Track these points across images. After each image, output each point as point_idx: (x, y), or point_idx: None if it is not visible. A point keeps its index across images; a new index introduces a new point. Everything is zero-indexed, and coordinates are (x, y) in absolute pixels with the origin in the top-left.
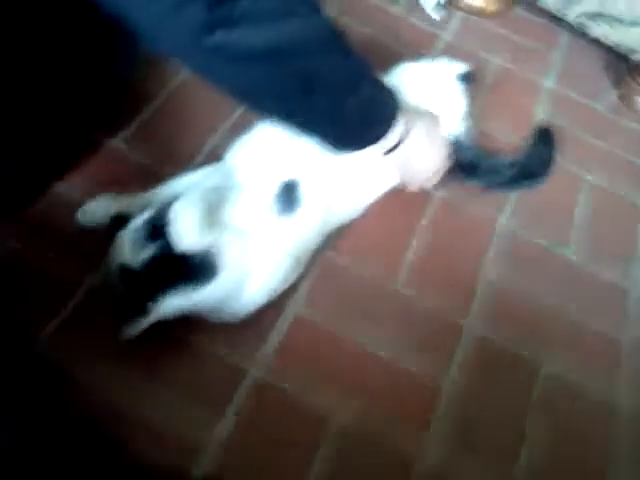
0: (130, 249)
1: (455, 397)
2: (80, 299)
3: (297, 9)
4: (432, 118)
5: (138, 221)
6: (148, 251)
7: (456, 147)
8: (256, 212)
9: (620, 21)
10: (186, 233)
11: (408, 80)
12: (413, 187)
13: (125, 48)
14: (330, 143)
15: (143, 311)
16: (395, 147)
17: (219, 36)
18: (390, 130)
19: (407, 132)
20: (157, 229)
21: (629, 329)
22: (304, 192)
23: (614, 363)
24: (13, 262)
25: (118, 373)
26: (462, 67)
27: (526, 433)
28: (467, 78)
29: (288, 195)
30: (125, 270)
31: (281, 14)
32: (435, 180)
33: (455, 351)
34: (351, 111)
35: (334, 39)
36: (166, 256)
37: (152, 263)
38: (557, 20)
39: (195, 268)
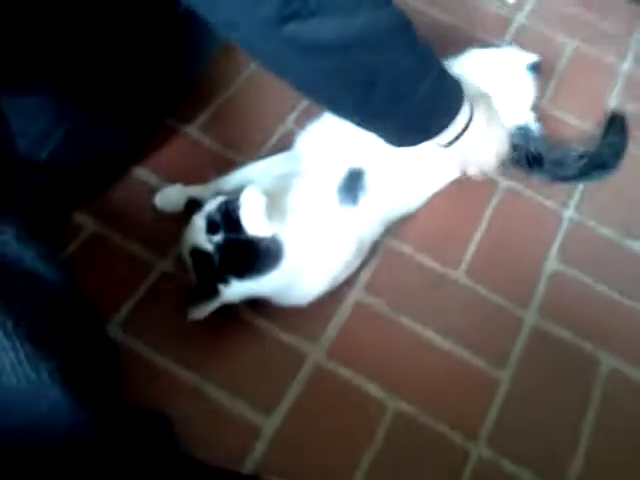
0: (202, 233)
1: (512, 393)
2: (153, 282)
3: (367, 3)
4: (490, 100)
5: (211, 206)
6: (219, 235)
7: (523, 137)
8: (321, 200)
9: None
10: (254, 219)
11: (476, 67)
12: (474, 173)
13: (199, 47)
14: (393, 137)
15: (213, 293)
16: (458, 137)
17: (292, 27)
18: (453, 121)
19: (470, 120)
20: (228, 214)
21: None
22: (368, 180)
23: None
24: (92, 244)
25: (184, 355)
26: (531, 57)
27: (584, 433)
28: (536, 68)
29: (353, 183)
30: (197, 252)
31: (352, 7)
32: (495, 165)
33: (515, 344)
34: (414, 105)
35: (401, 32)
36: (235, 241)
37: (223, 247)
38: (637, 1)
39: (262, 253)
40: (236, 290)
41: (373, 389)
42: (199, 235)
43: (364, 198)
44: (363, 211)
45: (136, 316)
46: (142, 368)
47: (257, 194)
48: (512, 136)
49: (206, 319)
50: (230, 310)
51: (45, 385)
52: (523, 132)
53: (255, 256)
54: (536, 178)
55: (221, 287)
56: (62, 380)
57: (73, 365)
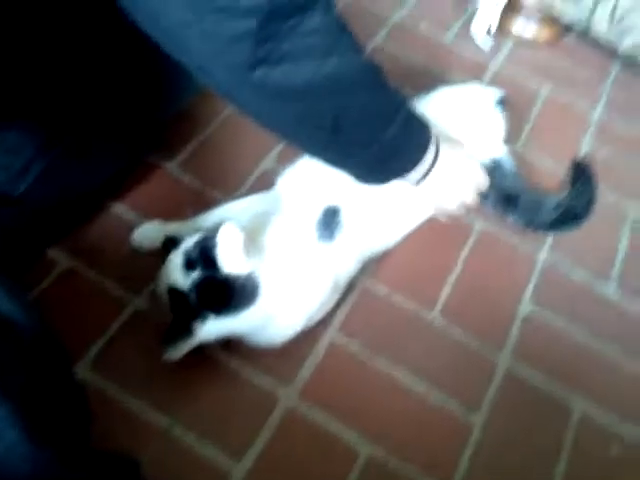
0: (179, 270)
1: (485, 438)
2: (126, 319)
3: (337, 48)
4: (456, 142)
5: (189, 243)
6: (196, 272)
7: (496, 172)
8: (297, 237)
9: None
10: (231, 256)
11: (444, 104)
12: (448, 210)
13: (180, 85)
14: (361, 175)
15: (188, 332)
16: (425, 175)
17: (262, 73)
18: (421, 160)
19: (435, 158)
20: (205, 251)
21: None
22: (344, 218)
23: None
24: (66, 280)
25: (154, 395)
26: (497, 92)
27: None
28: (502, 103)
29: (329, 221)
30: (173, 290)
31: (321, 53)
32: (468, 201)
33: (488, 389)
34: (382, 146)
35: (369, 78)
36: (212, 278)
37: (199, 284)
38: (608, 50)
39: (238, 291)
40: (212, 328)
41: (346, 433)
42: (176, 273)
43: (340, 236)
44: (339, 249)
45: (107, 355)
46: (111, 409)
47: (235, 230)
48: (486, 171)
49: (178, 361)
50: (203, 350)
51: (0, 427)
52: (496, 166)
53: (231, 293)
54: (510, 220)
55: (197, 325)
56: (19, 422)
57: (33, 407)
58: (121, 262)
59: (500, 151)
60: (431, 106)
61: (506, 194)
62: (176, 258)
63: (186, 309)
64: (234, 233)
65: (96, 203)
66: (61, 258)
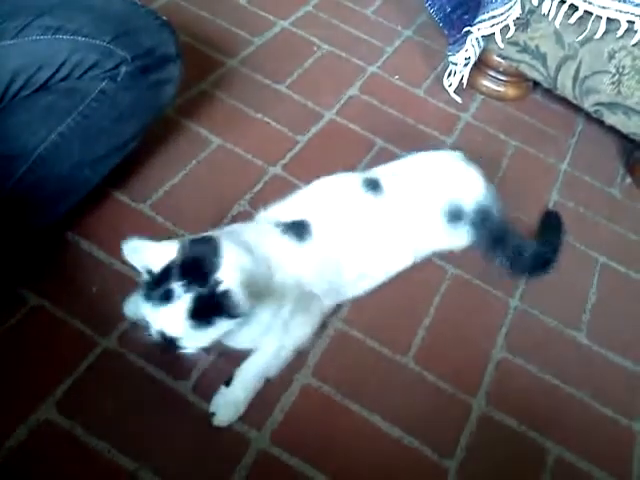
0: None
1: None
2: (93, 360)
3: None
4: None
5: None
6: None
7: (483, 215)
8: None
9: (636, 111)
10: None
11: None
12: None
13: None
14: None
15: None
16: None
17: None
18: None
19: None
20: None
21: None
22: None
23: (625, 452)
24: (33, 319)
25: (121, 438)
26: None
27: None
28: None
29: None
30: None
31: None
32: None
33: (463, 431)
34: None
35: None
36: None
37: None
38: (574, 106)
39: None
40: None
41: (317, 477)
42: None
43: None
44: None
45: (74, 395)
46: (77, 450)
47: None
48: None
49: (145, 401)
50: (172, 392)
51: None
52: (484, 209)
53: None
54: (497, 263)
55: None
56: None
57: None
58: (90, 301)
59: (486, 197)
60: (408, 168)
61: (494, 236)
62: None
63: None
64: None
65: (61, 238)
66: (29, 296)
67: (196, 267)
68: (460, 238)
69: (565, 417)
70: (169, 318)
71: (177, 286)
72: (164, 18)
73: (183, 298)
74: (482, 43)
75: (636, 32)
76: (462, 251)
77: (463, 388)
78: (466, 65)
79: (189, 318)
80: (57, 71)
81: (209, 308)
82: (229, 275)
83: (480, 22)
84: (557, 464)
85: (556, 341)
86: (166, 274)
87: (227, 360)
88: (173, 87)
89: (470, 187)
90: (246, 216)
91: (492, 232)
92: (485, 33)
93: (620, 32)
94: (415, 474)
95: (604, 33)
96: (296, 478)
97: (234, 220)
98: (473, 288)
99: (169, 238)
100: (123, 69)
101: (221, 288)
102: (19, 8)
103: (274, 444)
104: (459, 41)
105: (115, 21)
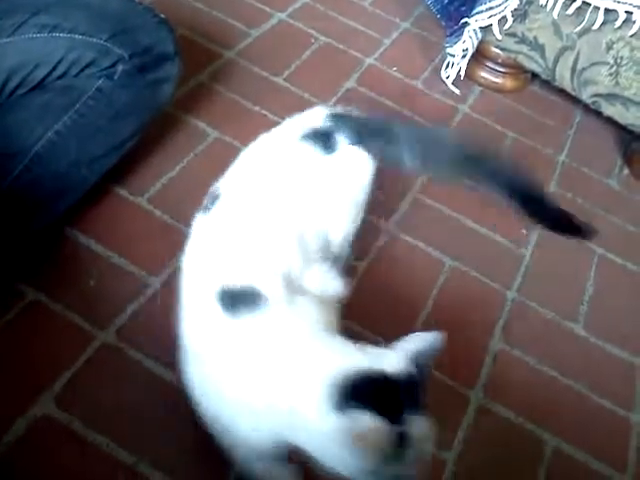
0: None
1: (459, 473)
2: (92, 353)
3: None
4: None
5: None
6: None
7: None
8: None
9: (634, 102)
10: None
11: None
12: None
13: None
14: None
15: None
16: None
17: None
18: None
19: None
20: None
21: (639, 408)
22: None
23: (622, 443)
24: (31, 313)
25: (120, 432)
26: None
27: None
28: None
29: None
30: None
31: None
32: None
33: (461, 423)
34: None
35: None
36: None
37: None
38: (572, 98)
39: None
40: None
41: None
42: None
43: None
44: None
45: (72, 389)
46: (75, 445)
47: None
48: None
49: (144, 395)
50: (170, 385)
51: None
52: None
53: None
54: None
55: None
56: None
57: None
58: (88, 295)
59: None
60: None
61: None
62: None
63: None
64: None
65: (58, 232)
66: (27, 290)
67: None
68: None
69: (563, 409)
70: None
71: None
72: (162, 16)
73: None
74: (480, 34)
75: (634, 22)
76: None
77: (461, 380)
78: (464, 57)
79: None
80: (54, 69)
81: None
82: None
83: (477, 13)
84: (555, 455)
85: (554, 333)
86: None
87: None
88: (171, 86)
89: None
90: None
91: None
92: (482, 24)
93: (618, 23)
94: None
95: (602, 24)
96: None
97: None
98: (471, 280)
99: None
100: (120, 67)
101: None
102: (16, 6)
103: None
104: (456, 33)
105: (112, 19)
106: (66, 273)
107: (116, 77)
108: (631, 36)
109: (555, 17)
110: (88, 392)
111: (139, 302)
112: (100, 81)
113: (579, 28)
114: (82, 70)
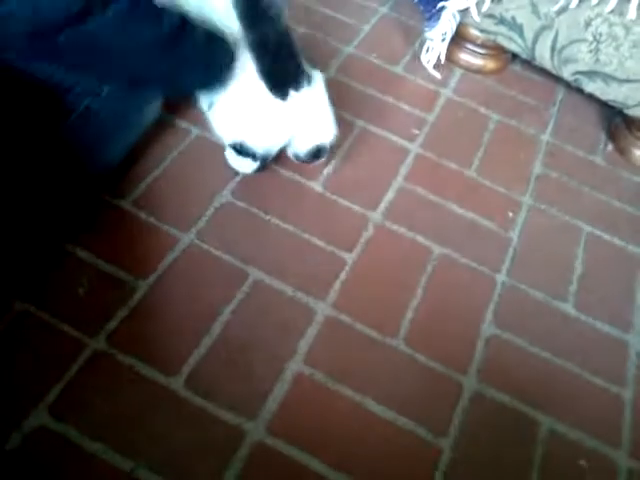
0: None
1: (455, 460)
2: (84, 362)
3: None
4: None
5: None
6: None
7: None
8: None
9: (614, 78)
10: None
11: None
12: None
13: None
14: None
15: None
16: None
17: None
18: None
19: None
20: None
21: (631, 384)
22: None
23: (615, 419)
24: (19, 323)
25: (117, 438)
26: None
27: None
28: None
29: None
30: None
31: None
32: None
33: (455, 411)
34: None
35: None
36: None
37: None
38: (553, 76)
39: None
40: None
41: (315, 464)
42: None
43: None
44: None
45: (65, 399)
46: (71, 453)
47: None
48: None
49: (137, 400)
50: (163, 389)
51: None
52: None
53: None
54: None
55: None
56: None
57: None
58: (77, 303)
59: None
60: None
61: None
62: None
63: None
64: None
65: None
66: (15, 302)
67: None
68: None
69: (556, 389)
70: None
71: None
72: None
73: None
74: (458, 17)
75: None
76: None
77: (454, 366)
78: (443, 40)
79: None
80: None
81: None
82: None
83: None
84: (549, 435)
85: (544, 314)
86: None
87: (219, 354)
88: (158, 104)
89: None
90: (229, 208)
91: None
92: (460, 7)
93: (595, 1)
94: (411, 454)
95: (580, 1)
96: (293, 466)
97: (216, 212)
98: (459, 266)
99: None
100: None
101: None
102: None
103: (269, 434)
104: (435, 16)
105: None
106: (52, 282)
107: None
108: (609, 12)
109: None
110: (82, 400)
111: (128, 307)
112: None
113: (557, 7)
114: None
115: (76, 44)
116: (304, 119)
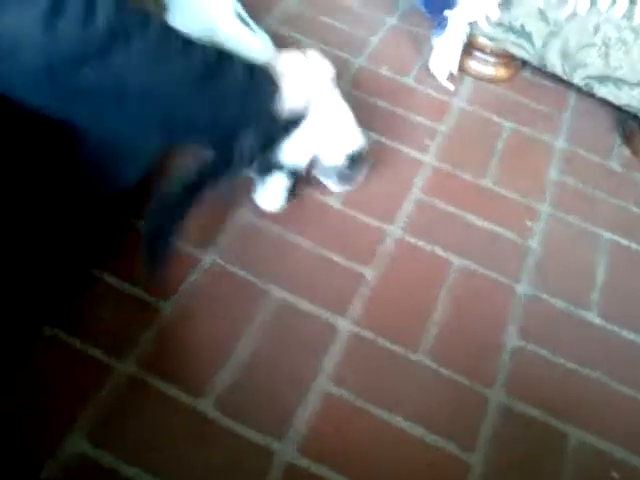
0: None
1: (486, 474)
2: (115, 387)
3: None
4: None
5: None
6: None
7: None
8: None
9: (625, 82)
10: None
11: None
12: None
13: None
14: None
15: None
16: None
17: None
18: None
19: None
20: None
21: None
22: None
23: None
24: (49, 349)
25: (151, 463)
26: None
27: None
28: None
29: None
30: None
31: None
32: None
33: (482, 425)
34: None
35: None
36: None
37: None
38: (564, 82)
39: None
40: None
41: None
42: None
43: None
44: None
45: (98, 424)
46: (108, 478)
47: None
48: None
49: (169, 421)
50: (194, 411)
51: None
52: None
53: None
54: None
55: None
56: None
57: None
58: (105, 328)
59: None
60: None
61: None
62: None
63: None
64: None
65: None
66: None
67: None
68: None
69: (583, 399)
70: None
71: None
72: None
73: None
74: (468, 29)
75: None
76: (468, 236)
77: (479, 380)
78: (454, 51)
79: None
80: None
81: None
82: None
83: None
84: (579, 447)
85: (568, 323)
86: None
87: (244, 374)
88: None
89: None
90: (249, 227)
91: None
92: (469, 20)
93: (603, 7)
94: (441, 470)
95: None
96: None
97: (237, 232)
98: (480, 278)
99: None
100: None
101: None
102: None
103: (299, 454)
104: (442, 23)
105: None
106: (80, 307)
107: None
108: (619, 18)
109: (540, 6)
110: (114, 425)
111: (154, 329)
112: None
113: (566, 13)
114: None
115: (99, 82)
116: (327, 130)
